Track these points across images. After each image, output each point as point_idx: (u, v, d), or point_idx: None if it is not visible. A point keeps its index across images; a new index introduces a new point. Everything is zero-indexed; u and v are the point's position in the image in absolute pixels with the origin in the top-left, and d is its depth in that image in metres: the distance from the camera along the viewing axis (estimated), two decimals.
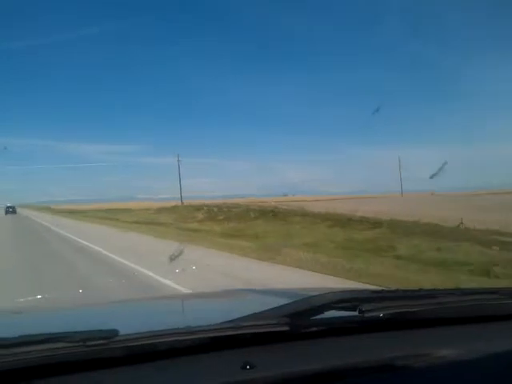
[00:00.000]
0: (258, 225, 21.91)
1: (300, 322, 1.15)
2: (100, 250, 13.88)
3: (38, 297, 5.85)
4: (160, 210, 44.03)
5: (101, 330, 1.06)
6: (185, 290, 6.88)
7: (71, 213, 60.76)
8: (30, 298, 5.84)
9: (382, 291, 1.37)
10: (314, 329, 1.18)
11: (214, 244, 14.48)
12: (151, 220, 32.07)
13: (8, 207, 68.44)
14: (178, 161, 64.92)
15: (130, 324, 1.42)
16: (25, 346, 0.98)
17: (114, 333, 1.04)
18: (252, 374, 0.97)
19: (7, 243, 17.99)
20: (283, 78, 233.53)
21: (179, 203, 55.84)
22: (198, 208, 37.65)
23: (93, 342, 1.00)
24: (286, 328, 1.11)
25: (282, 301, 1.32)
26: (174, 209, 44.25)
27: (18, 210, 77.17)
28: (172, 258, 7.64)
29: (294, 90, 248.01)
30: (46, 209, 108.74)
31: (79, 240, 17.59)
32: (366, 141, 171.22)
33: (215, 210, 34.23)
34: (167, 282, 7.84)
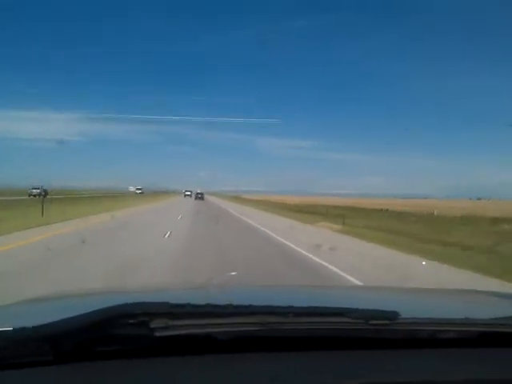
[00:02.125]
0: None
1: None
2: None
3: (233, 273, 6.43)
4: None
5: (384, 311, 1.07)
6: None
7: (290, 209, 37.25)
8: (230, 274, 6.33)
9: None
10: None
11: None
12: None
13: (198, 193, 69.08)
14: None
15: (410, 309, 1.36)
16: (320, 316, 1.03)
17: (395, 315, 1.05)
18: None
19: None
20: None
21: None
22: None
23: (376, 322, 1.03)
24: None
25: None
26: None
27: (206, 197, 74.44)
28: None
29: None
30: (236, 199, 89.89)
31: None
32: None
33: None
34: None
